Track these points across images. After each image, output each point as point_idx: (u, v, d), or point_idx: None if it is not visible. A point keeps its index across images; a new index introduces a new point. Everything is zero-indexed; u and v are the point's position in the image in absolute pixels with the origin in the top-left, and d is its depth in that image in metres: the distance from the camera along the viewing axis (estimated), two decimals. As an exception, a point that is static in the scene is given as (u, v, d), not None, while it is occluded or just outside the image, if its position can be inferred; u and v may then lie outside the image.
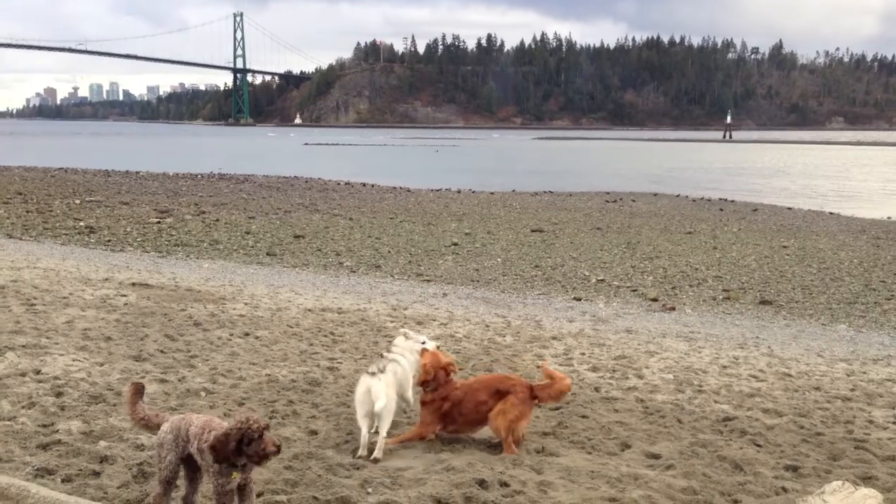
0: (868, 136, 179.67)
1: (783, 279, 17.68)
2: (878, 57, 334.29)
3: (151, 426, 4.71)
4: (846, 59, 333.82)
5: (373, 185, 40.63)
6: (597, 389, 8.26)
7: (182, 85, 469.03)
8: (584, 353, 10.02)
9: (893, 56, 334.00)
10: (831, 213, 32.35)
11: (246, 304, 12.04)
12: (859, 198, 41.93)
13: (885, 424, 7.34)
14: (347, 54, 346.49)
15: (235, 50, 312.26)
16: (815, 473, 5.91)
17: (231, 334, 9.77)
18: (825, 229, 26.62)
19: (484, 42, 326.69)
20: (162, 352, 8.56)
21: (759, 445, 6.59)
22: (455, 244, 21.57)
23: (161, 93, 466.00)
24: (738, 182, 51.90)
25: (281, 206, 29.49)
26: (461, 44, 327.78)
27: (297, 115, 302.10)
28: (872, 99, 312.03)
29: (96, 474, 5.20)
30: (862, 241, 23.72)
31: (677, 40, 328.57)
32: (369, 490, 5.24)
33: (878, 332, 13.13)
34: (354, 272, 17.54)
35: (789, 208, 33.99)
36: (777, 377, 9.12)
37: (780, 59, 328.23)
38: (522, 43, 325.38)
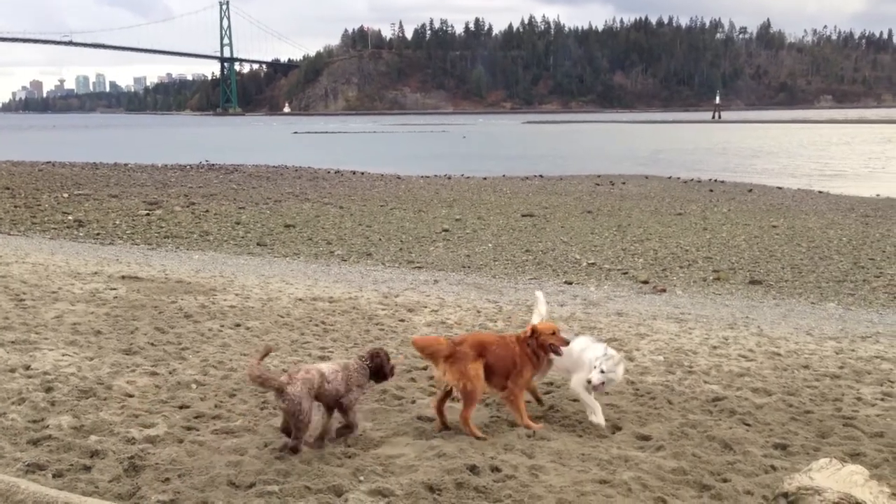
0: (855, 114, 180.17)
1: (773, 259, 17.75)
2: (866, 34, 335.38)
3: (266, 385, 5.66)
4: (834, 37, 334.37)
5: (363, 173, 40.55)
6: (588, 373, 8.28)
7: (169, 75, 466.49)
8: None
9: (881, 33, 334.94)
10: (820, 192, 32.47)
11: (237, 294, 12.02)
12: (845, 175, 42.07)
13: (873, 401, 7.40)
14: (335, 41, 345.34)
15: (222, 39, 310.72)
16: (804, 451, 5.96)
17: (222, 325, 9.76)
18: (814, 208, 26.71)
19: (472, 26, 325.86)
20: (152, 344, 8.55)
21: (748, 425, 6.63)
22: (446, 230, 21.58)
23: (148, 84, 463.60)
24: (727, 162, 52.01)
25: (271, 195, 29.42)
26: (449, 28, 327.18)
27: (286, 104, 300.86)
28: (860, 76, 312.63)
29: (87, 469, 5.20)
30: (851, 220, 23.82)
31: (665, 21, 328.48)
32: (361, 478, 5.26)
33: (867, 309, 13.21)
34: (345, 261, 17.54)
35: (779, 188, 34.09)
36: (766, 356, 9.17)
37: (767, 38, 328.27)
38: (510, 27, 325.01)
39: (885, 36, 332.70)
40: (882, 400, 7.45)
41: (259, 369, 5.54)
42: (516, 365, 6.37)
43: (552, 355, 6.54)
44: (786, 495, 3.71)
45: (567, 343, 6.56)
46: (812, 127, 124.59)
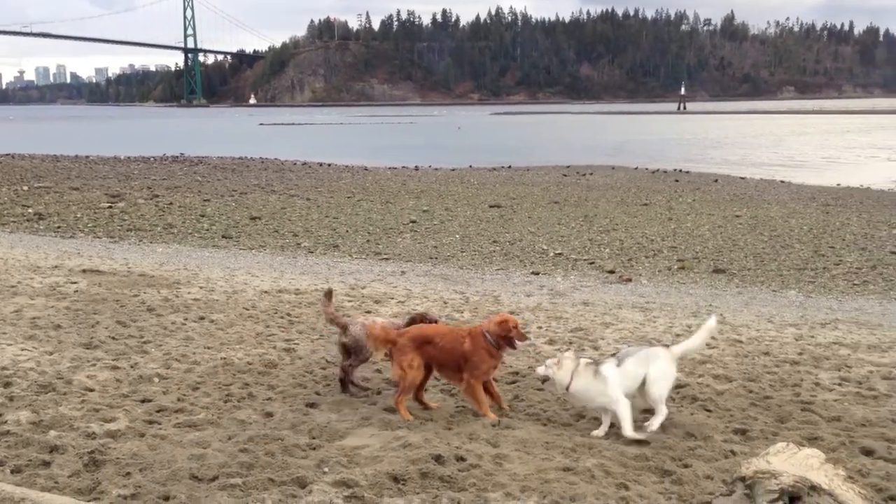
0: (816, 105, 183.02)
1: (736, 248, 17.98)
2: (828, 26, 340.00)
3: (335, 322, 7.07)
4: (796, 29, 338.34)
5: (330, 165, 40.33)
6: (553, 362, 8.33)
7: (132, 66, 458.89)
8: (541, 327, 10.10)
9: (842, 25, 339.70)
10: (782, 182, 32.91)
11: (201, 287, 11.92)
12: (806, 166, 42.69)
13: (830, 386, 7.53)
14: (301, 32, 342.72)
15: (186, 29, 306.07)
16: (763, 436, 6.06)
17: (185, 319, 9.68)
18: (776, 197, 27.08)
19: (439, 18, 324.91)
20: (114, 338, 8.45)
21: (709, 411, 6.73)
22: (413, 222, 21.56)
23: (110, 75, 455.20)
24: (692, 153, 52.52)
25: (236, 187, 29.16)
26: (416, 20, 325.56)
27: (252, 95, 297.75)
28: (822, 68, 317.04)
29: (46, 464, 5.13)
30: (812, 209, 24.20)
31: (631, 13, 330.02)
32: (325, 469, 5.25)
33: (827, 296, 13.44)
34: (312, 252, 17.46)
35: (742, 178, 34.49)
36: (728, 343, 9.30)
37: (731, 30, 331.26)
38: (478, 18, 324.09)
39: (846, 28, 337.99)
40: (839, 385, 7.59)
41: (330, 309, 7.01)
42: (466, 357, 6.41)
43: (509, 349, 6.59)
44: (743, 479, 3.77)
45: (525, 338, 6.75)
46: (774, 118, 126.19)
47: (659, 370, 6.13)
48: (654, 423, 6.03)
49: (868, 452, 5.80)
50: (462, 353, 6.43)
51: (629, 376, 6.13)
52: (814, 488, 3.56)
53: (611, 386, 6.07)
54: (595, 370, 6.16)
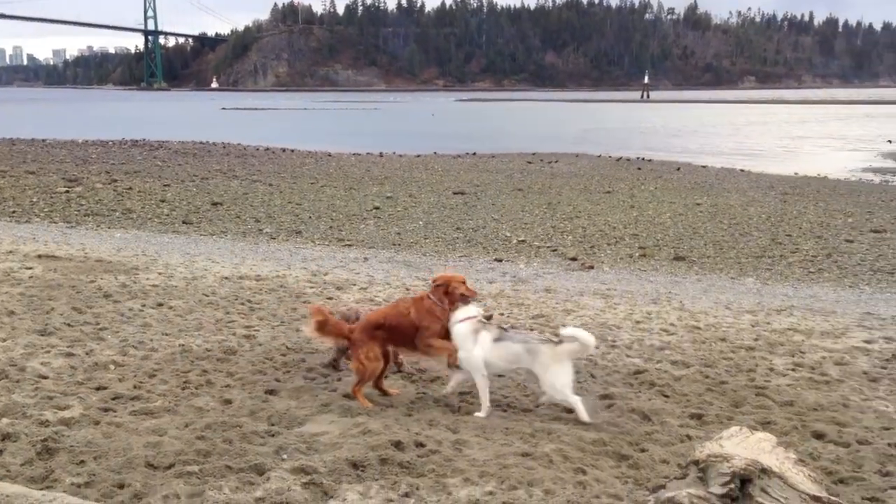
0: (777, 95, 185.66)
1: (696, 235, 18.20)
2: (788, 16, 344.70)
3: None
4: (757, 19, 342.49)
5: (293, 150, 39.96)
6: (514, 348, 8.37)
7: (90, 48, 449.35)
8: (503, 314, 10.14)
9: (802, 15, 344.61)
10: (742, 170, 33.33)
11: (160, 273, 11.76)
12: (765, 155, 43.29)
13: (784, 372, 7.68)
14: (264, 16, 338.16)
15: (146, 11, 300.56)
16: (718, 420, 6.17)
17: (143, 305, 9.54)
18: (736, 186, 27.43)
19: (404, 3, 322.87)
20: (69, 325, 8.31)
21: (666, 396, 6.82)
22: (377, 208, 21.48)
23: (68, 57, 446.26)
24: (654, 141, 52.97)
25: (197, 172, 28.77)
26: (381, 5, 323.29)
27: (214, 79, 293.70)
28: (782, 58, 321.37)
29: (-2, 452, 5.04)
30: (770, 197, 24.56)
31: (596, 1, 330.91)
32: (284, 456, 5.23)
33: (783, 283, 13.68)
34: (274, 239, 17.32)
35: (704, 166, 34.86)
36: (686, 330, 9.43)
37: (694, 19, 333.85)
38: (443, 4, 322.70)
39: (806, 18, 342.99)
40: (793, 370, 7.74)
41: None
42: (416, 326, 6.46)
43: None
44: (697, 463, 3.83)
45: (474, 293, 6.76)
46: (736, 107, 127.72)
47: (543, 367, 6.11)
48: (582, 416, 6.08)
49: (819, 436, 5.93)
50: (410, 324, 6.46)
51: (501, 357, 6.20)
52: (764, 471, 3.63)
53: (476, 352, 6.19)
54: (475, 330, 6.25)
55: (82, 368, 6.93)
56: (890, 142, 48.73)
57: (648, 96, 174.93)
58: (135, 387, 6.56)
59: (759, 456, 3.81)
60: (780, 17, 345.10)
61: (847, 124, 74.54)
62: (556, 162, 35.75)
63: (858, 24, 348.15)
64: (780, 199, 24.25)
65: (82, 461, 5.00)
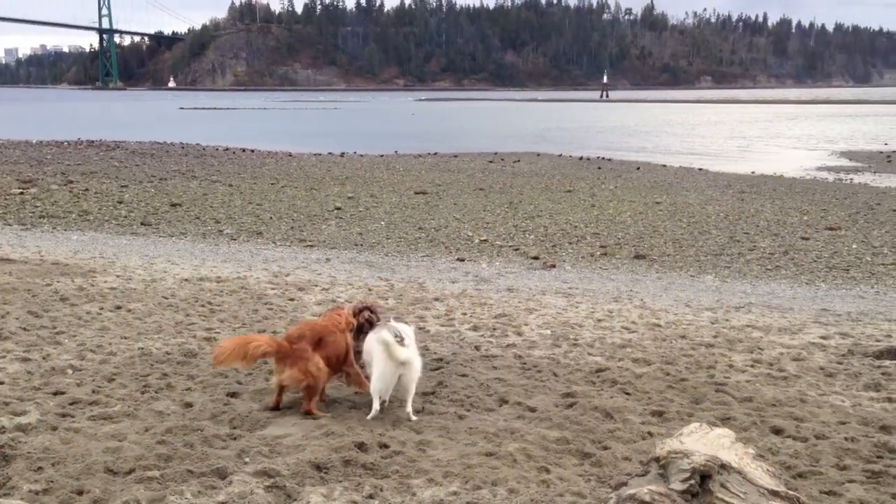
0: (732, 95, 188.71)
1: (656, 234, 18.41)
2: (743, 17, 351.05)
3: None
4: (713, 20, 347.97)
5: (253, 151, 39.61)
6: (477, 348, 8.41)
7: (44, 47, 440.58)
8: (465, 313, 10.16)
9: (756, 16, 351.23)
10: (700, 170, 33.79)
11: (118, 276, 11.58)
12: (722, 154, 43.92)
13: (743, 368, 7.80)
14: (221, 14, 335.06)
15: (101, 9, 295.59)
16: (679, 417, 6.24)
17: (101, 308, 9.39)
18: (694, 185, 27.82)
19: (363, 2, 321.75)
20: (25, 329, 8.14)
21: (628, 394, 6.89)
22: (338, 208, 21.38)
23: (20, 55, 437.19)
24: (614, 140, 53.46)
25: (156, 173, 28.38)
26: (340, 4, 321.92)
27: (171, 79, 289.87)
28: (738, 58, 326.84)
29: (-47, 461, 4.92)
30: (728, 196, 24.94)
31: (554, 1, 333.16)
32: (246, 460, 5.18)
33: (742, 281, 13.90)
34: (235, 240, 17.16)
35: (663, 165, 35.28)
36: (647, 328, 9.53)
37: (651, 20, 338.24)
38: (402, 3, 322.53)
39: (761, 19, 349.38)
40: (752, 367, 7.87)
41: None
42: (349, 349, 6.48)
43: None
44: (657, 459, 3.87)
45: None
46: (693, 106, 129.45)
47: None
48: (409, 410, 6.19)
49: (778, 431, 6.03)
50: (346, 345, 6.43)
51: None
52: (724, 467, 3.68)
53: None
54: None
55: (39, 373, 6.79)
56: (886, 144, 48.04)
57: (608, 96, 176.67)
58: (93, 391, 6.45)
59: (719, 452, 3.87)
60: (734, 17, 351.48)
61: (801, 123, 75.98)
62: (518, 161, 35.91)
63: (811, 25, 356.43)
64: (738, 197, 24.64)
65: (40, 468, 4.90)
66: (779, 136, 59.74)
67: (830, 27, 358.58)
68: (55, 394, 6.33)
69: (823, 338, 9.16)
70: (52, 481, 4.71)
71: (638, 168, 33.62)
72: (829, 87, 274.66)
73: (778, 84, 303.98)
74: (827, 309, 11.18)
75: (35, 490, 4.60)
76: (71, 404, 6.12)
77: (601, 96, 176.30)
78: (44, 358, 7.23)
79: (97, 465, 4.92)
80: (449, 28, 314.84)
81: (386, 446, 5.49)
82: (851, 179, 30.39)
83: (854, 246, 17.02)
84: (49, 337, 7.95)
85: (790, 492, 3.66)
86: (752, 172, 32.49)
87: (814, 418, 6.33)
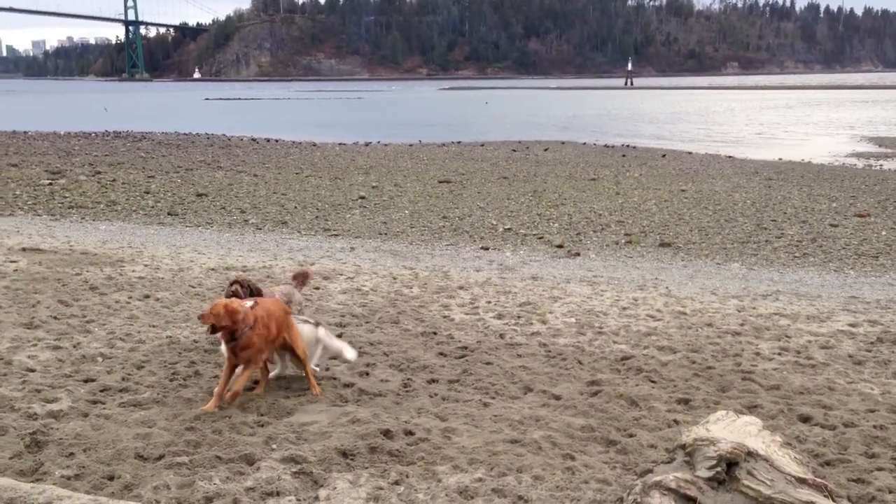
0: (757, 81, 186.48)
1: (681, 222, 18.27)
2: (770, 2, 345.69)
3: None
4: (739, 5, 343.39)
5: (277, 141, 39.79)
6: (501, 336, 8.42)
7: (70, 39, 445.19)
8: (490, 302, 10.17)
9: (783, 1, 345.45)
10: (728, 157, 33.45)
11: (146, 265, 11.71)
12: (748, 141, 43.45)
13: (770, 356, 7.74)
14: (245, 5, 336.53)
15: (126, 1, 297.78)
16: (705, 405, 6.22)
17: (130, 297, 9.50)
18: (721, 172, 27.55)
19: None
20: (55, 318, 8.26)
21: (653, 382, 6.86)
22: (362, 198, 21.43)
23: (48, 48, 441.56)
24: (638, 128, 53.06)
25: (182, 163, 28.60)
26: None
27: (196, 70, 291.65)
28: (765, 44, 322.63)
29: (-15, 447, 5.02)
30: (755, 183, 24.68)
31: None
32: (273, 446, 5.24)
33: (769, 269, 13.76)
34: (260, 229, 17.26)
35: (689, 153, 34.98)
36: (673, 316, 9.48)
37: (677, 6, 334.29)
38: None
39: (788, 4, 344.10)
40: (779, 354, 7.81)
41: None
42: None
43: None
44: (684, 447, 3.86)
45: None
46: (719, 93, 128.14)
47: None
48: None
49: (805, 419, 5.99)
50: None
51: None
52: (751, 454, 3.67)
53: None
54: None
55: (70, 361, 6.90)
56: None
57: (632, 83, 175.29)
58: (123, 379, 6.54)
59: (746, 439, 3.85)
60: (762, 2, 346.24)
61: (829, 109, 74.93)
62: (546, 150, 35.74)
63: (840, 9, 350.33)
64: (765, 184, 24.37)
65: (71, 453, 4.99)
66: (805, 122, 58.99)
67: (859, 11, 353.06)
68: (86, 381, 6.43)
69: (852, 325, 9.06)
70: (83, 467, 4.79)
71: (663, 155, 33.34)
72: (858, 73, 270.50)
73: (806, 70, 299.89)
74: (856, 296, 11.05)
75: (67, 475, 4.68)
76: (101, 391, 6.22)
77: (625, 84, 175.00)
78: (74, 346, 7.34)
79: (128, 451, 5.00)
80: (472, 16, 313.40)
81: (411, 433, 5.52)
82: (881, 166, 29.96)
83: (883, 233, 16.79)
84: (79, 325, 8.07)
85: (818, 479, 3.64)
86: (780, 159, 32.12)
87: (842, 406, 6.28)
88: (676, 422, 5.84)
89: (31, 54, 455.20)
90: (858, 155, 34.13)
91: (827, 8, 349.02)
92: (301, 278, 8.08)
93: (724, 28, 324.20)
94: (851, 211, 19.37)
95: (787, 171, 27.65)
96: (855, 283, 12.51)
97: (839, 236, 16.53)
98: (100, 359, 7.03)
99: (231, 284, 7.03)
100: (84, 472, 4.74)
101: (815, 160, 31.62)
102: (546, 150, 35.66)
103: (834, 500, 3.49)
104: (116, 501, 3.58)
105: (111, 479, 4.67)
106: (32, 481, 4.50)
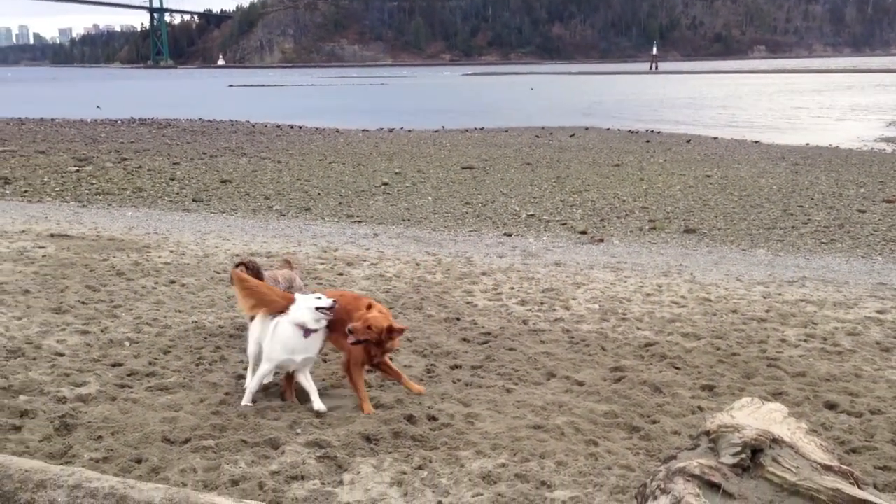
0: (785, 65, 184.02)
1: (706, 208, 18.12)
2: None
3: None
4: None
5: (301, 127, 39.91)
6: (525, 322, 8.41)
7: (96, 26, 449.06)
8: (513, 288, 10.16)
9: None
10: (755, 142, 33.08)
11: (171, 251, 11.82)
12: (775, 126, 42.93)
13: (796, 343, 7.68)
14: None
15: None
16: (730, 392, 6.18)
17: (156, 283, 9.60)
18: (746, 157, 27.26)
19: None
20: (83, 303, 8.37)
21: (677, 368, 6.83)
22: (385, 184, 21.45)
23: (74, 35, 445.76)
24: (663, 113, 52.58)
25: (206, 150, 28.78)
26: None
27: (221, 56, 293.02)
28: (793, 27, 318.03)
29: (17, 429, 5.11)
30: (781, 168, 24.40)
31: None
32: (298, 430, 5.29)
33: (795, 255, 13.62)
34: (284, 216, 17.33)
35: (714, 138, 34.63)
36: (697, 302, 9.42)
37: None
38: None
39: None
40: (805, 341, 7.74)
41: None
42: None
43: None
44: (708, 433, 3.84)
45: None
46: (746, 77, 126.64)
47: None
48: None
49: (831, 406, 5.94)
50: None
51: None
52: (776, 441, 3.64)
53: None
54: None
55: (98, 345, 6.99)
56: None
57: (657, 68, 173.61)
58: (150, 363, 6.62)
59: (771, 426, 3.82)
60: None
61: (858, 93, 73.80)
62: (573, 136, 35.53)
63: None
64: (792, 169, 24.09)
65: (100, 437, 5.06)
66: (833, 106, 58.16)
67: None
68: (113, 365, 6.52)
69: (880, 312, 8.96)
70: (111, 450, 4.86)
71: (688, 141, 33.04)
72: (889, 56, 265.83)
73: (834, 53, 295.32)
74: (884, 283, 10.92)
75: (95, 458, 4.75)
76: (129, 375, 6.30)
77: (650, 68, 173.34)
78: (102, 331, 7.43)
79: (155, 435, 5.07)
80: (495, 1, 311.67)
81: (434, 419, 5.55)
82: (911, 150, 29.49)
83: (913, 219, 16.55)
84: (107, 310, 8.17)
85: (844, 466, 3.61)
86: (807, 144, 31.72)
87: (869, 393, 6.22)
88: (700, 408, 5.82)
89: (58, 42, 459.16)
90: (888, 140, 33.60)
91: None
92: (290, 265, 8.09)
93: (750, 11, 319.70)
94: (880, 196, 19.10)
95: (815, 157, 27.30)
96: (883, 269, 12.35)
97: (867, 222, 16.31)
98: (127, 343, 7.12)
99: (237, 266, 7.07)
100: (112, 454, 4.81)
101: (843, 145, 31.18)
102: (572, 135, 35.45)
103: (860, 488, 3.46)
104: (144, 484, 3.63)
105: (139, 461, 4.74)
106: (62, 464, 4.57)
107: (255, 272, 7.01)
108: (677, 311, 8.99)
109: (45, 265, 10.12)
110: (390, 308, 8.81)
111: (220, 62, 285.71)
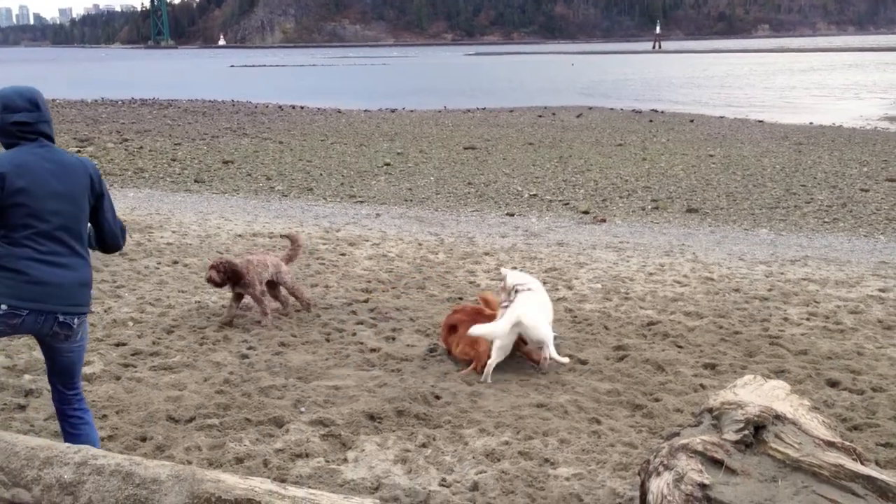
0: (789, 43, 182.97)
1: (709, 187, 18.08)
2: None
3: None
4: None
5: (302, 107, 39.77)
6: (527, 301, 8.40)
7: (96, 6, 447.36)
8: (515, 268, 10.15)
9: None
10: (758, 121, 32.94)
11: (174, 232, 11.83)
12: (779, 104, 42.74)
13: (798, 321, 7.69)
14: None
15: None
16: (732, 370, 6.20)
17: (158, 263, 9.62)
18: (749, 137, 27.16)
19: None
20: (86, 283, 8.38)
21: (680, 347, 6.85)
22: (388, 164, 21.40)
23: (74, 15, 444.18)
24: (666, 93, 52.34)
25: (208, 131, 28.71)
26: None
27: (221, 37, 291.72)
28: (796, 5, 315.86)
29: (22, 408, 5.16)
30: (784, 147, 24.31)
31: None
32: (302, 409, 5.32)
33: (797, 234, 13.60)
34: (286, 196, 17.32)
35: (718, 117, 34.50)
36: (700, 281, 9.42)
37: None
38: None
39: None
40: (807, 320, 7.75)
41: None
42: None
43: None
44: (710, 410, 3.86)
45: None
46: (750, 56, 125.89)
47: None
48: None
49: (833, 384, 5.96)
50: None
51: None
52: (778, 417, 3.65)
53: None
54: None
55: (101, 325, 7.01)
56: None
57: (660, 47, 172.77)
58: (153, 343, 6.65)
59: (774, 403, 3.84)
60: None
61: (863, 72, 73.40)
62: (580, 116, 35.37)
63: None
64: (795, 149, 24.00)
65: (105, 415, 5.09)
66: (836, 85, 57.85)
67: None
68: (117, 345, 6.54)
69: (882, 290, 8.95)
70: (116, 428, 4.90)
71: (691, 120, 32.91)
72: (893, 34, 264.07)
73: (839, 31, 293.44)
74: (886, 262, 10.91)
75: (101, 437, 4.78)
76: (133, 355, 6.32)
77: (653, 47, 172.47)
78: (106, 311, 7.45)
79: (159, 413, 5.10)
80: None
81: (438, 397, 5.57)
82: (915, 129, 29.37)
83: (916, 198, 16.52)
84: (110, 290, 8.19)
85: (846, 443, 3.62)
86: (810, 123, 31.59)
87: (871, 371, 6.23)
88: (703, 386, 5.84)
89: (58, 22, 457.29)
90: (891, 118, 33.45)
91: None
92: (294, 241, 8.23)
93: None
94: (883, 175, 19.04)
95: (818, 136, 27.20)
96: (885, 248, 12.33)
97: (870, 201, 16.28)
98: (130, 323, 7.14)
99: (210, 269, 7.09)
100: (117, 433, 4.84)
101: (847, 124, 31.05)
102: (579, 116, 35.30)
103: (862, 464, 3.48)
104: (150, 461, 3.65)
105: (143, 440, 4.78)
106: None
107: (229, 272, 7.01)
108: (680, 290, 8.99)
109: (47, 246, 10.12)
110: (393, 287, 8.84)
111: (221, 42, 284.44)
